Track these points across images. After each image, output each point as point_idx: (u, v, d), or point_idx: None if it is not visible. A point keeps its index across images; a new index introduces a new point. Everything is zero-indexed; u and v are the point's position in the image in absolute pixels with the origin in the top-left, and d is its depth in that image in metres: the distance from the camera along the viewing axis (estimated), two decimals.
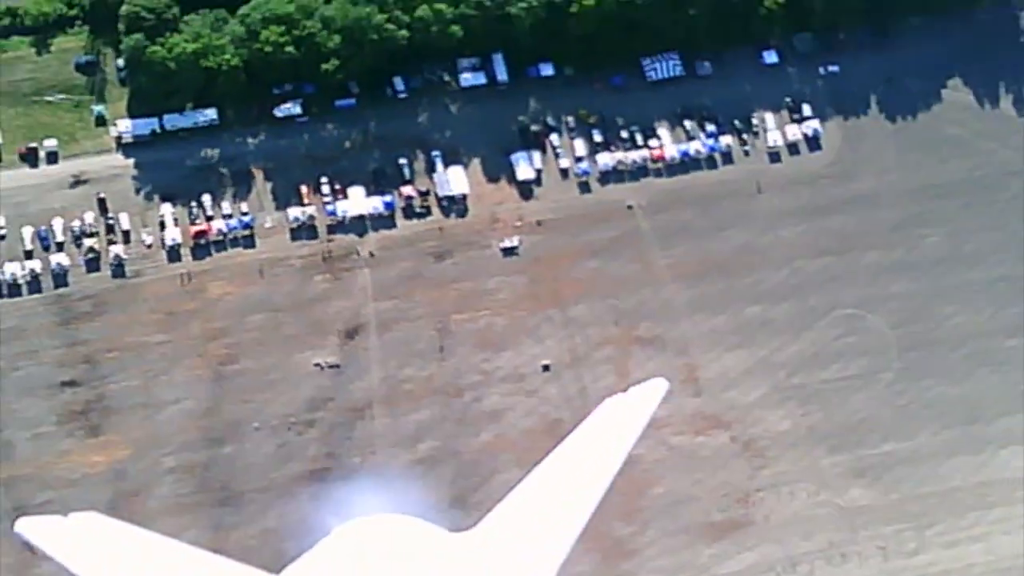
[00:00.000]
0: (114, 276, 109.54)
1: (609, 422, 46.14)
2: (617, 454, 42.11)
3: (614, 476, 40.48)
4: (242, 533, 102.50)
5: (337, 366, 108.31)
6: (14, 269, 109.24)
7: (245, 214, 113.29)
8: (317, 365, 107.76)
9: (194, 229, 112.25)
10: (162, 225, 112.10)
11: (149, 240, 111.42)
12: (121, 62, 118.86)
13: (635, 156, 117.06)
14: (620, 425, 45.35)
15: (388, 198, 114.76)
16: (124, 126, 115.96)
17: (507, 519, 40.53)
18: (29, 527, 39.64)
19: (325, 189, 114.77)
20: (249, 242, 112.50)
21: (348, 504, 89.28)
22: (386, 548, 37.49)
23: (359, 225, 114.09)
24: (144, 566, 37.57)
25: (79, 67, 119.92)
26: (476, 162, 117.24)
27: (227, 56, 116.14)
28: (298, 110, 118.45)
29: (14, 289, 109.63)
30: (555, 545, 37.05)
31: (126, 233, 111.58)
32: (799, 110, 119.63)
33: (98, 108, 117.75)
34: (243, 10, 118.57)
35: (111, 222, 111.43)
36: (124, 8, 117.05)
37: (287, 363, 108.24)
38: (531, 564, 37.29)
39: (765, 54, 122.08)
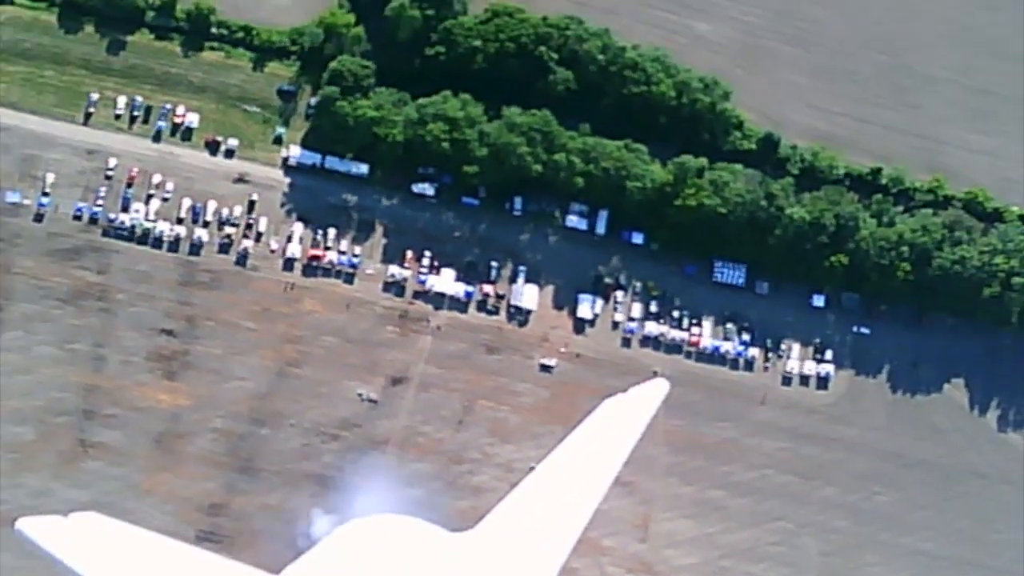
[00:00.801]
0: (236, 263, 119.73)
1: (609, 422, 46.88)
2: (617, 454, 42.49)
3: (615, 476, 41.44)
4: (246, 500, 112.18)
5: (375, 401, 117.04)
6: (164, 227, 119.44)
7: (356, 256, 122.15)
8: (359, 395, 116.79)
9: (312, 252, 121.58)
10: (289, 239, 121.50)
11: (274, 246, 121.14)
12: (313, 101, 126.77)
13: (676, 335, 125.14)
14: (621, 425, 45.88)
15: (471, 288, 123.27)
16: (294, 151, 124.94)
17: (507, 519, 41.55)
18: (30, 526, 40.09)
19: (425, 262, 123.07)
20: (349, 279, 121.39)
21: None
22: (387, 547, 38.78)
23: (439, 300, 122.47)
24: (144, 565, 37.39)
25: (280, 92, 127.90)
26: (550, 288, 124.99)
27: (395, 131, 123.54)
28: (431, 192, 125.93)
29: (157, 243, 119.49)
30: (555, 545, 37.96)
31: (260, 234, 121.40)
32: (822, 352, 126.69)
33: (280, 130, 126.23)
34: (422, 101, 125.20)
35: (251, 221, 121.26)
36: (334, 63, 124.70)
37: (337, 384, 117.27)
38: (531, 564, 38.33)
39: (815, 297, 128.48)
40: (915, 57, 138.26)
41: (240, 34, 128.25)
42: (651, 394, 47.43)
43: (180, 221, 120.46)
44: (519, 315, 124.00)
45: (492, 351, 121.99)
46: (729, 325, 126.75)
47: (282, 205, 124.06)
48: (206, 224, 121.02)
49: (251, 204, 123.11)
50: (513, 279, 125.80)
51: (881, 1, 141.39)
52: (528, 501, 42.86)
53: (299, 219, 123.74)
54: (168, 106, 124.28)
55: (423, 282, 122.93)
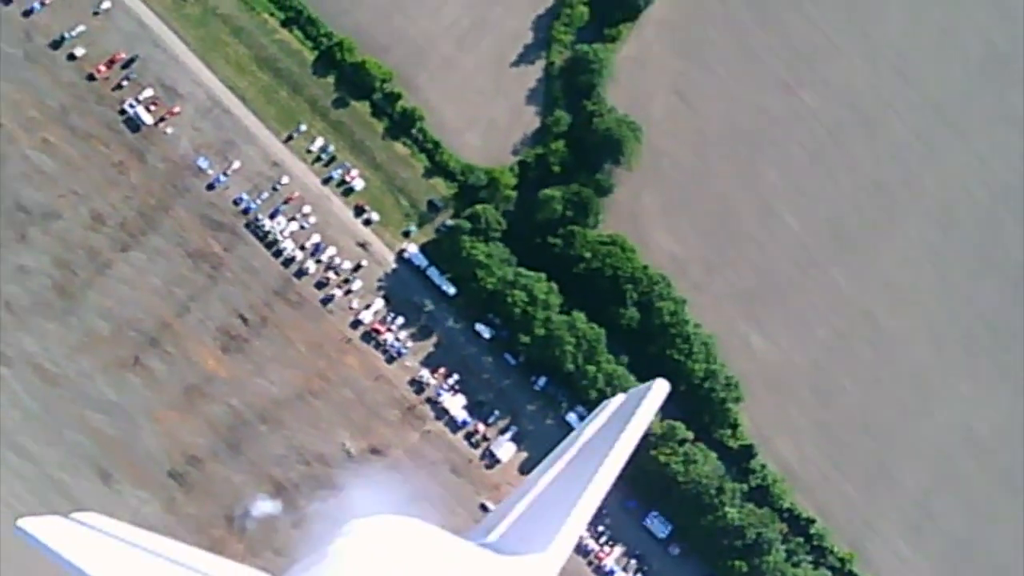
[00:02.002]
0: (321, 301, 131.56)
1: (610, 422, 42.31)
2: (618, 455, 37.39)
3: (615, 476, 36.49)
4: (219, 467, 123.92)
5: (350, 455, 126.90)
6: (289, 245, 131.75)
7: (406, 347, 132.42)
8: (343, 444, 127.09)
9: (377, 325, 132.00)
10: (367, 306, 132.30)
11: (355, 305, 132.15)
12: (447, 223, 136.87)
13: (592, 543, 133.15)
14: (620, 426, 40.20)
15: (469, 419, 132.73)
16: (412, 249, 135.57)
17: (507, 519, 38.29)
18: (30, 526, 35.28)
19: (450, 381, 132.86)
20: (390, 360, 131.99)
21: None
22: (387, 549, 34.18)
23: (441, 413, 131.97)
24: (144, 567, 34.14)
25: (429, 203, 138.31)
26: (524, 454, 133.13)
27: (490, 279, 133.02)
28: (487, 335, 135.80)
29: (277, 253, 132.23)
30: (555, 545, 33.67)
31: (349, 290, 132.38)
32: None
33: (412, 228, 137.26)
34: (521, 270, 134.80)
35: (350, 278, 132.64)
36: (479, 207, 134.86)
37: (333, 427, 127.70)
38: (531, 564, 33.93)
39: None
40: (896, 457, 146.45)
41: (430, 145, 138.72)
42: (651, 395, 40.03)
43: (302, 248, 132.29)
44: (491, 459, 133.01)
45: (454, 472, 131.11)
46: (633, 562, 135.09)
47: (378, 280, 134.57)
48: (318, 261, 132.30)
49: (358, 266, 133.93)
50: (502, 432, 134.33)
51: (904, 393, 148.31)
52: (527, 501, 38.35)
53: (383, 296, 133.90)
54: (347, 165, 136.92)
55: (439, 394, 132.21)
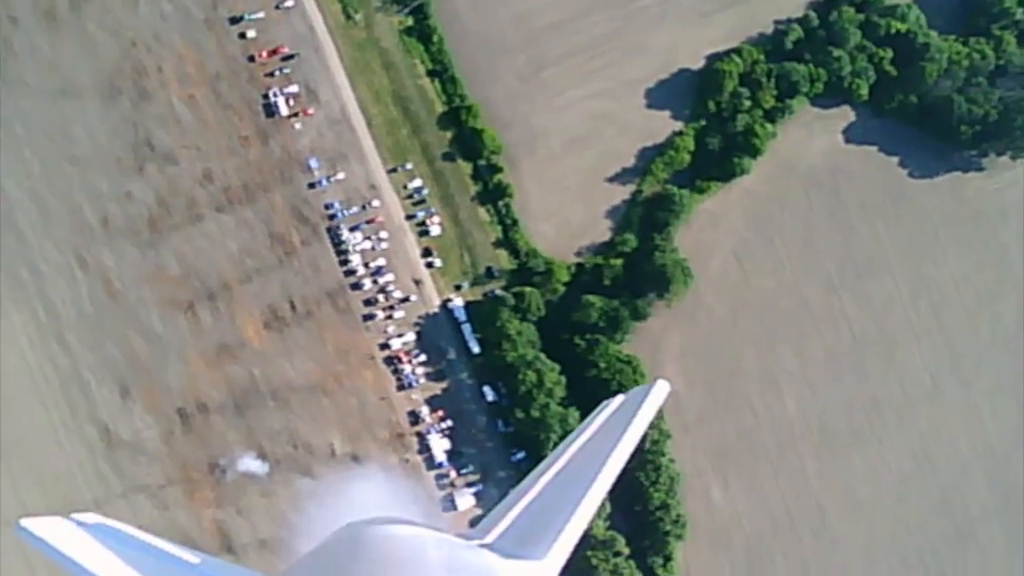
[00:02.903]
0: (362, 317, 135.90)
1: (609, 423, 33.65)
2: (618, 455, 29.51)
3: (615, 477, 44.04)
4: (220, 421, 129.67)
5: (334, 455, 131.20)
6: (356, 260, 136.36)
7: (417, 381, 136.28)
8: (331, 443, 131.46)
9: (401, 354, 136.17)
10: (400, 335, 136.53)
11: (389, 330, 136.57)
12: (497, 291, 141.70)
13: None
14: (621, 426, 31.32)
15: (445, 463, 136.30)
16: (457, 302, 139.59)
17: (506, 520, 29.76)
18: (31, 526, 27.33)
19: (442, 425, 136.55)
20: (400, 387, 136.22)
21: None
22: (384, 551, 26.42)
23: (424, 446, 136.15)
24: (144, 568, 26.84)
25: (487, 268, 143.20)
26: (477, 512, 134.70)
27: (512, 353, 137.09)
28: (490, 398, 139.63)
29: (343, 262, 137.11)
30: (555, 546, 26.51)
31: (391, 315, 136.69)
32: None
33: (464, 285, 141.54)
34: (543, 357, 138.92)
35: (395, 306, 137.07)
36: (529, 288, 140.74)
37: (329, 425, 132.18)
38: (531, 565, 26.46)
39: None
40: None
41: (509, 221, 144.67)
42: (653, 396, 31.45)
43: (366, 265, 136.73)
44: (449, 504, 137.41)
45: (414, 502, 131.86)
46: None
47: (418, 316, 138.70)
48: (375, 281, 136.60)
49: (407, 298, 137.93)
50: (469, 485, 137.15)
51: None
52: (525, 502, 30.63)
53: (416, 332, 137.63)
54: (433, 210, 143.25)
55: (429, 432, 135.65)
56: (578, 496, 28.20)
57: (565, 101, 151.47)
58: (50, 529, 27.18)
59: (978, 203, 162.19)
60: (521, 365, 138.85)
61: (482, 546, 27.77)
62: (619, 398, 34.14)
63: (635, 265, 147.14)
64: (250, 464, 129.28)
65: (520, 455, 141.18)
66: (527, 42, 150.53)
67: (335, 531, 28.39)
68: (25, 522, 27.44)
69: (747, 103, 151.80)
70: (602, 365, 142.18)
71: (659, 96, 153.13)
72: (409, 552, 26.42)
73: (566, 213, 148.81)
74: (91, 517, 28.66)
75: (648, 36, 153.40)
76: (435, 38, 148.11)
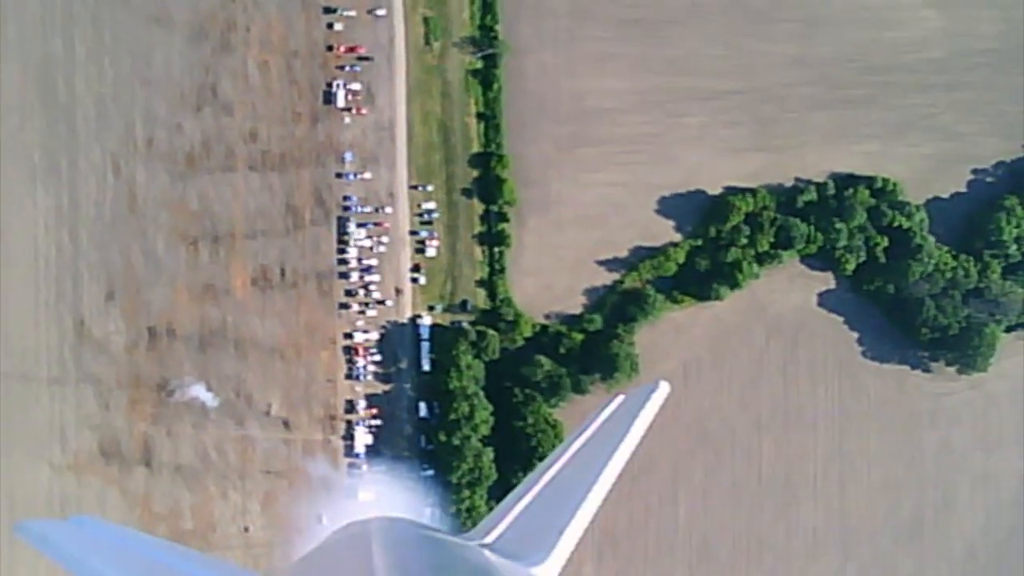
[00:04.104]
0: (339, 304, 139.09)
1: (609, 424, 35.71)
2: (618, 457, 32.05)
3: (615, 477, 31.60)
4: (181, 350, 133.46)
5: (268, 414, 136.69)
6: (352, 253, 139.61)
7: (365, 377, 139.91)
8: (269, 403, 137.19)
9: (360, 348, 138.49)
10: (365, 332, 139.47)
11: (358, 323, 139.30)
12: (464, 324, 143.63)
13: None
14: (621, 427, 34.24)
15: (361, 456, 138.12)
16: (425, 321, 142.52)
17: (506, 520, 31.73)
18: (28, 528, 31.45)
19: (373, 422, 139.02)
20: (348, 376, 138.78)
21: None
22: (384, 550, 28.39)
23: (349, 435, 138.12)
24: (144, 569, 29.55)
25: (464, 303, 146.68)
26: None
27: (453, 385, 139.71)
28: (422, 414, 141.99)
29: (341, 251, 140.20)
30: (555, 547, 28.15)
31: (363, 312, 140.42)
32: None
33: (438, 306, 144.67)
34: (480, 406, 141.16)
35: (371, 304, 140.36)
36: (490, 333, 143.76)
37: (275, 387, 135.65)
38: (531, 565, 28.12)
39: None
40: None
41: (497, 267, 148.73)
42: (653, 395, 34.56)
43: (359, 260, 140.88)
44: (352, 493, 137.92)
45: (320, 480, 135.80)
46: None
47: (387, 320, 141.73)
48: (362, 277, 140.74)
49: (383, 301, 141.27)
50: (374, 483, 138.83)
51: None
52: (526, 502, 32.47)
53: (380, 333, 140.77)
54: (435, 234, 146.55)
55: (358, 424, 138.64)
56: (578, 498, 28.88)
57: (588, 180, 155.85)
58: (50, 530, 29.32)
59: (915, 401, 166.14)
60: (460, 395, 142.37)
61: (482, 546, 28.36)
62: (618, 398, 35.19)
63: (592, 344, 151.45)
64: (200, 394, 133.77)
65: (429, 472, 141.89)
66: (575, 117, 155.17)
67: (336, 530, 29.56)
68: (23, 524, 29.85)
69: (744, 240, 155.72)
70: (530, 420, 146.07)
71: (670, 206, 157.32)
72: (410, 552, 27.23)
73: (551, 278, 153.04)
74: (88, 519, 30.65)
75: (681, 150, 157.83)
76: (495, 86, 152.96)
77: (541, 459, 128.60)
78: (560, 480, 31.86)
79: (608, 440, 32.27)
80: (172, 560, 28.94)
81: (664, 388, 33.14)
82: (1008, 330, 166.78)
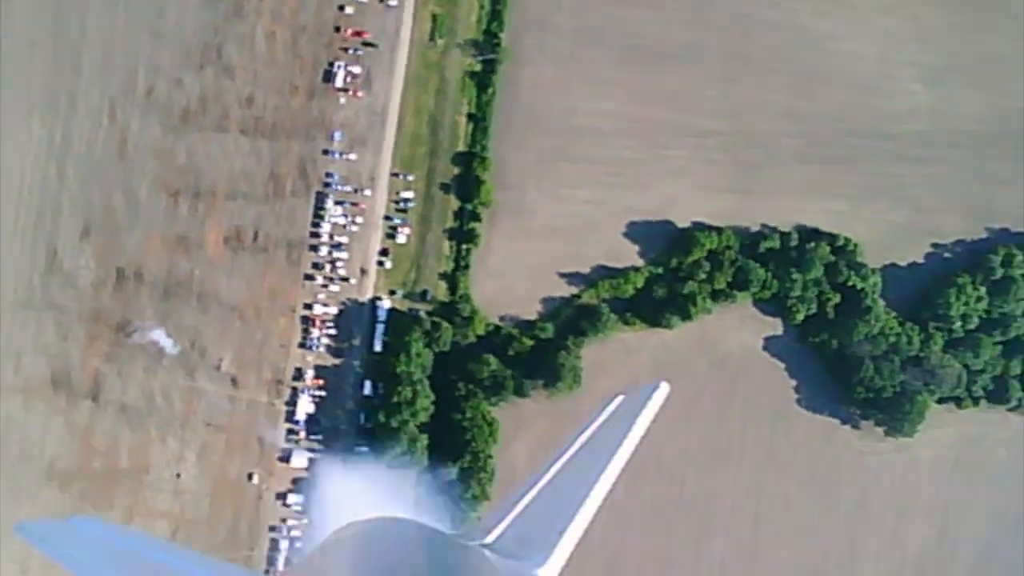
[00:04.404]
0: (305, 275, 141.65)
1: (609, 424, 36.50)
2: (619, 457, 33.18)
3: (615, 478, 32.77)
4: (145, 295, 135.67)
5: (218, 368, 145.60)
6: (326, 229, 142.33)
7: (318, 348, 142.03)
8: (221, 358, 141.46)
9: (317, 320, 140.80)
10: (325, 305, 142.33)
11: (319, 296, 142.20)
12: (421, 312, 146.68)
13: None
14: (621, 427, 35.18)
15: (301, 423, 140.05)
16: (384, 304, 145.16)
17: (507, 521, 32.05)
18: (28, 529, 31.35)
19: (317, 392, 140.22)
20: (302, 345, 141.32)
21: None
22: (385, 550, 28.21)
23: (292, 401, 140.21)
24: (144, 569, 29.13)
25: (424, 293, 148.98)
26: (302, 476, 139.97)
27: (400, 369, 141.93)
28: (365, 392, 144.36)
29: (315, 224, 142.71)
30: (555, 548, 28.43)
31: (326, 286, 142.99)
32: None
33: (399, 291, 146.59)
34: (423, 394, 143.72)
35: (335, 279, 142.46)
36: (445, 326, 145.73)
37: (229, 344, 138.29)
38: (531, 566, 28.45)
39: None
40: None
41: (463, 264, 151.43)
42: (653, 396, 35.46)
43: (331, 237, 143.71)
44: (285, 456, 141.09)
45: (259, 443, 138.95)
46: None
47: (348, 297, 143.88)
48: (330, 252, 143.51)
49: (347, 279, 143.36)
50: (310, 449, 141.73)
51: None
52: (527, 502, 32.85)
53: (339, 309, 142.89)
54: (408, 223, 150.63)
55: (302, 392, 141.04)
56: (578, 499, 28.82)
57: (564, 195, 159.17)
58: (50, 530, 29.12)
59: (839, 454, 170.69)
60: (405, 379, 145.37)
61: (483, 546, 28.33)
62: (618, 398, 35.18)
63: (541, 351, 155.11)
64: (160, 339, 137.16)
65: (364, 450, 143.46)
66: (563, 133, 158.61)
67: (337, 530, 28.84)
68: (20, 527, 29.53)
69: (703, 275, 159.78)
70: (468, 414, 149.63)
71: (639, 231, 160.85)
72: (411, 551, 26.66)
73: (512, 282, 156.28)
74: (88, 520, 30.08)
75: (659, 180, 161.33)
76: (490, 90, 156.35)
77: (473, 454, 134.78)
78: (560, 480, 32.08)
79: (608, 440, 32.66)
80: (172, 560, 28.96)
81: (664, 388, 33.35)
82: (940, 401, 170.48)
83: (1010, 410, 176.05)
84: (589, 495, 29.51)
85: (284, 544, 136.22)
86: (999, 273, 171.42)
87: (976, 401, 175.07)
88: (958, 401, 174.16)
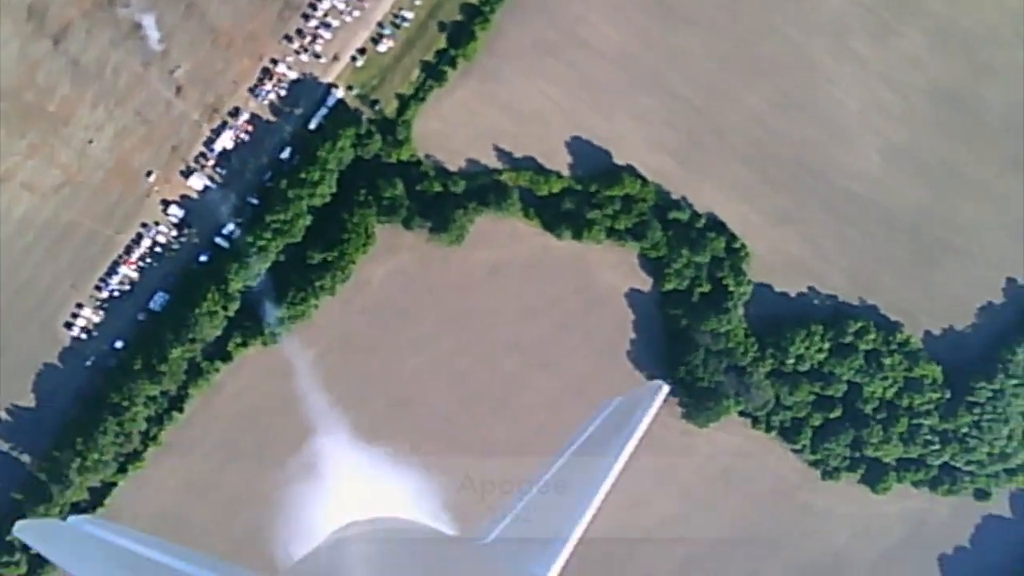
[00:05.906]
0: (284, 36, 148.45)
1: (608, 425, 39.51)
2: (618, 457, 35.34)
3: (614, 479, 35.14)
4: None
5: (179, 91, 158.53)
6: (323, 4, 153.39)
7: (245, 107, 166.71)
8: (178, 66, 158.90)
9: (276, 74, 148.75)
10: (288, 68, 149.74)
11: (287, 59, 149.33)
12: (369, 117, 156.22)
13: None
14: (621, 428, 38.33)
15: (209, 155, 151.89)
16: (337, 94, 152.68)
17: (506, 520, 34.54)
18: (28, 530, 34.24)
19: (227, 146, 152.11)
20: (233, 114, 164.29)
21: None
22: (386, 550, 32.65)
23: (207, 149, 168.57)
24: (144, 569, 30.00)
25: (374, 102, 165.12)
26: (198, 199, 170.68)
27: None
28: (265, 180, 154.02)
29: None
30: (555, 548, 30.31)
31: (298, 54, 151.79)
32: None
33: (375, 83, 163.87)
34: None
35: (304, 54, 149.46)
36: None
37: (192, 55, 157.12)
38: (531, 566, 30.62)
39: None
40: None
41: (420, 96, 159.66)
42: (653, 396, 39.30)
43: (324, 15, 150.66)
44: (186, 174, 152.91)
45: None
46: None
47: (311, 72, 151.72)
48: (316, 28, 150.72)
49: (319, 56, 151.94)
50: (209, 178, 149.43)
51: None
52: (527, 502, 35.24)
53: (298, 76, 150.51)
54: (395, 37, 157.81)
55: (229, 126, 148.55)
56: (577, 500, 29.37)
57: (537, 85, 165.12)
58: (50, 530, 29.66)
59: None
60: (320, 162, 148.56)
61: (483, 546, 28.91)
62: (615, 401, 35.97)
63: (443, 199, 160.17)
64: (146, 22, 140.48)
65: (253, 201, 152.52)
66: (564, 33, 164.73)
67: (337, 530, 29.49)
68: (20, 527, 30.24)
69: (610, 210, 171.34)
70: (355, 219, 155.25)
71: (579, 147, 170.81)
72: (411, 551, 27.55)
73: (453, 132, 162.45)
74: (87, 520, 30.05)
75: (619, 115, 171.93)
76: None
77: (341, 253, 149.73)
78: (560, 481, 32.81)
79: (606, 442, 33.36)
80: (172, 560, 29.00)
81: (664, 389, 34.70)
82: (741, 414, 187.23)
83: (792, 450, 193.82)
84: (589, 496, 30.53)
85: (146, 243, 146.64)
86: (848, 339, 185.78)
87: (769, 429, 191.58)
88: (755, 420, 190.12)
